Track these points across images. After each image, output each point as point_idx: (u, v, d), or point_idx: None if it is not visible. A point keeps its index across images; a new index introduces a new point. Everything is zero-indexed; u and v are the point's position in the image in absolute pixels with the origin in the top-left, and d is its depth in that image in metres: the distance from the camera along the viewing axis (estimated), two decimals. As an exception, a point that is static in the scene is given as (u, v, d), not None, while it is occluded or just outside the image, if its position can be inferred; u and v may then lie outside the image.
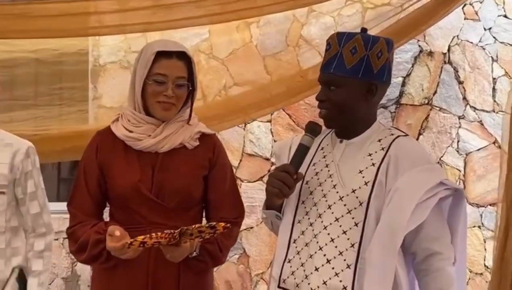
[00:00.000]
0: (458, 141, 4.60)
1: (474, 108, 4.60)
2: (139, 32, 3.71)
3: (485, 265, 4.48)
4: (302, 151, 2.00)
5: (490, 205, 4.52)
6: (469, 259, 4.49)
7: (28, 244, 2.57)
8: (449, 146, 4.59)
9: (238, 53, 4.20)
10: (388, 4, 3.63)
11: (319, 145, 2.08)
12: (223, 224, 1.97)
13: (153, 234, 1.97)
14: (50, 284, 4.28)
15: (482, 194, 4.58)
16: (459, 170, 4.60)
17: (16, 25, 3.23)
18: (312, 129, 2.01)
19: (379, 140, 2.03)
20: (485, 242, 4.50)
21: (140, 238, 1.97)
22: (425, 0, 3.45)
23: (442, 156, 4.57)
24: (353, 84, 1.97)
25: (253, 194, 4.41)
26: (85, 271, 4.29)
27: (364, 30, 2.05)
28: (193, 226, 2.00)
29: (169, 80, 2.19)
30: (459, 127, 4.59)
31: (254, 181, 4.44)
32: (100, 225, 2.17)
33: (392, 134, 2.04)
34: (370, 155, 2.01)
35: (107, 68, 4.30)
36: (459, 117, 4.59)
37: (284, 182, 1.95)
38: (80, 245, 2.22)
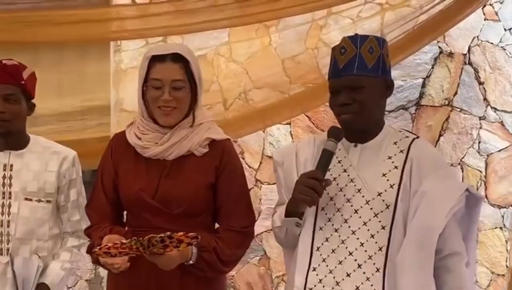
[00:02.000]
0: (479, 142, 4.56)
1: (495, 109, 4.55)
2: (160, 37, 3.77)
3: (507, 266, 4.44)
4: (327, 157, 1.99)
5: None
6: (491, 261, 4.46)
7: (62, 243, 2.61)
8: (470, 147, 4.56)
9: (258, 56, 4.18)
10: (407, 5, 3.65)
11: None
12: (181, 233, 1.91)
13: (117, 243, 1.96)
14: (74, 286, 4.36)
15: (503, 195, 4.53)
16: (480, 171, 4.56)
17: (39, 32, 3.32)
18: (335, 134, 2.02)
19: (395, 143, 2.06)
20: (506, 243, 4.47)
21: (105, 247, 1.96)
22: (445, 1, 3.47)
23: (463, 157, 4.55)
24: (376, 82, 2.01)
25: (273, 196, 4.27)
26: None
27: (356, 35, 2.08)
28: (146, 237, 1.94)
29: (165, 84, 2.16)
30: (480, 128, 4.55)
31: (274, 184, 4.30)
32: (105, 230, 2.18)
33: (407, 137, 2.08)
34: (390, 158, 2.03)
35: (128, 72, 4.29)
36: (480, 118, 4.55)
37: (314, 189, 1.94)
38: (89, 248, 2.25)
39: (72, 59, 4.06)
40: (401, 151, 2.03)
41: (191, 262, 2.14)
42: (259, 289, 4.51)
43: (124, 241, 1.96)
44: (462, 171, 4.52)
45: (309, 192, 1.93)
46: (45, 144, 2.60)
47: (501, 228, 4.48)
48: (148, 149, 2.21)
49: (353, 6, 3.65)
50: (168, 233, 1.92)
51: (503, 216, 4.47)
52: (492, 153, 4.57)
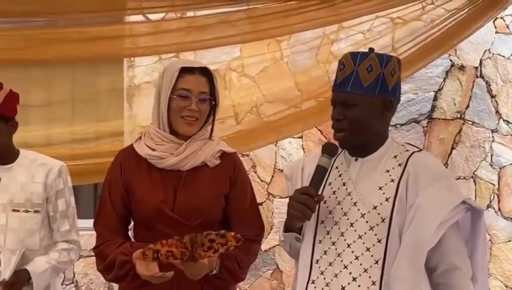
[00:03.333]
0: (491, 155, 4.57)
1: (507, 122, 4.58)
2: (173, 53, 3.80)
3: (521, 280, 4.44)
4: (321, 172, 1.99)
5: (526, 219, 4.49)
6: (505, 274, 4.44)
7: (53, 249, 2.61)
8: (482, 160, 4.58)
9: (269, 71, 4.20)
10: (418, 19, 3.64)
11: (333, 164, 2.08)
12: (233, 233, 1.94)
13: (163, 241, 1.95)
14: None
15: None
16: (493, 184, 4.56)
17: (54, 49, 3.35)
18: (329, 150, 2.01)
19: (395, 156, 2.03)
20: (521, 256, 4.46)
21: (151, 245, 1.95)
22: (456, 15, 3.48)
23: (475, 171, 4.56)
24: (370, 101, 1.98)
25: (285, 209, 4.28)
26: (121, 286, 4.36)
27: (371, 50, 2.06)
28: (203, 233, 1.96)
29: (193, 95, 2.21)
30: (492, 141, 4.57)
31: (286, 197, 4.37)
32: (126, 246, 2.19)
33: (407, 150, 2.05)
34: (387, 171, 2.01)
35: (141, 88, 4.35)
36: (492, 131, 4.57)
37: (306, 205, 1.93)
38: (107, 265, 2.23)
39: (85, 75, 4.11)
40: (399, 165, 2.02)
41: (214, 271, 2.16)
42: (271, 303, 4.54)
43: (176, 236, 1.95)
44: (475, 184, 4.52)
45: (301, 207, 1.93)
46: (32, 157, 2.62)
47: (514, 241, 4.47)
48: (164, 159, 2.22)
49: (364, 21, 3.65)
50: (223, 231, 1.94)
51: (516, 230, 4.45)
52: (505, 166, 4.58)
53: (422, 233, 1.90)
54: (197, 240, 1.95)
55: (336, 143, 2.05)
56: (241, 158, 2.44)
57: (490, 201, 4.52)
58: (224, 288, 2.26)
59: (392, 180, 1.99)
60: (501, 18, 4.50)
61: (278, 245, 4.42)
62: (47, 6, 3.26)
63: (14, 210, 2.52)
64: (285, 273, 4.48)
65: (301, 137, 4.51)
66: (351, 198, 2.01)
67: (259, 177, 4.46)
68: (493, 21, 4.33)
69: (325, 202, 2.02)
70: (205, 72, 2.25)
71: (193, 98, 2.21)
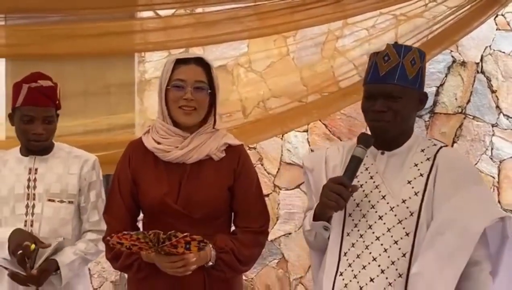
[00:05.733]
0: (491, 149, 4.56)
1: (507, 116, 4.58)
2: (182, 48, 3.76)
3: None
4: (355, 163, 1.96)
5: (525, 211, 4.46)
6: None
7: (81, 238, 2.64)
8: (483, 154, 4.56)
9: (276, 66, 4.21)
10: (421, 16, 3.53)
11: None
12: (185, 234, 1.93)
13: (130, 236, 1.97)
14: (100, 287, 4.40)
15: None
16: (493, 177, 4.55)
17: (67, 44, 3.37)
18: (365, 141, 1.98)
19: (422, 150, 2.03)
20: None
21: (115, 237, 1.98)
22: (457, 12, 3.43)
23: (476, 164, 4.52)
24: (412, 94, 1.98)
25: (291, 201, 4.38)
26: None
27: (395, 43, 2.06)
28: (151, 231, 1.96)
29: (187, 85, 2.21)
30: (493, 135, 4.57)
31: (292, 189, 4.44)
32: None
33: (435, 145, 2.05)
34: (416, 165, 2.00)
35: (152, 82, 4.35)
36: (493, 125, 4.57)
37: (340, 195, 1.92)
38: (115, 254, 2.26)
39: (97, 70, 4.13)
40: (428, 159, 2.00)
41: (210, 263, 2.18)
42: (277, 291, 4.54)
43: (132, 233, 1.97)
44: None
45: (335, 197, 1.92)
46: (68, 149, 2.67)
47: (513, 233, 4.49)
48: (169, 153, 2.23)
49: (368, 18, 3.66)
50: (173, 231, 1.95)
51: (515, 222, 4.47)
52: (504, 160, 4.57)
53: (464, 242, 1.89)
54: (153, 238, 1.96)
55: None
56: (248, 151, 2.44)
57: (490, 194, 4.54)
58: (226, 280, 2.27)
59: (421, 175, 1.98)
60: (502, 15, 4.47)
61: (284, 235, 4.44)
62: (61, 3, 3.29)
63: (49, 200, 2.56)
64: (290, 262, 4.50)
65: (306, 131, 4.51)
66: (379, 191, 2.00)
67: (265, 170, 4.47)
68: (494, 18, 4.32)
69: (352, 195, 1.99)
70: (200, 62, 2.25)
71: (188, 88, 2.21)
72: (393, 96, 1.96)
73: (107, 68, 4.18)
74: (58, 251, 2.51)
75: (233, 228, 2.37)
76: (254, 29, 3.45)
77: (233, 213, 2.33)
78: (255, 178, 2.35)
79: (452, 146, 4.52)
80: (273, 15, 3.34)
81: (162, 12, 3.71)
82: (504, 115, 4.58)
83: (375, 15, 3.64)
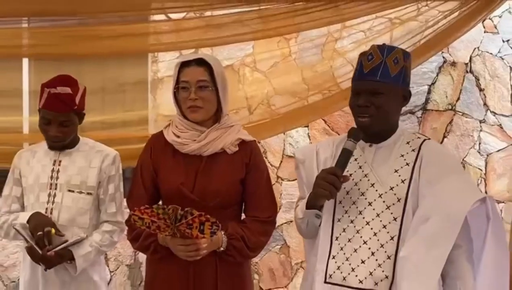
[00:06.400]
0: (479, 143, 4.65)
1: (494, 113, 4.65)
2: (192, 49, 3.82)
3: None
4: (346, 155, 2.01)
5: (510, 201, 4.53)
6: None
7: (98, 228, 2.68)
8: (471, 148, 4.65)
9: (279, 66, 4.28)
10: (414, 19, 3.55)
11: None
12: (200, 213, 2.00)
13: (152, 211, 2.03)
14: (116, 270, 4.47)
15: (501, 191, 4.62)
16: (481, 169, 4.65)
17: (85, 45, 3.46)
18: (355, 135, 2.04)
19: (408, 142, 2.09)
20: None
21: (146, 217, 2.04)
22: (449, 17, 3.44)
23: (465, 157, 4.61)
24: (395, 91, 2.03)
25: (292, 191, 4.44)
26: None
27: (382, 44, 2.11)
28: (170, 206, 2.01)
29: (191, 85, 2.29)
30: (480, 130, 4.66)
31: (293, 180, 4.46)
32: None
33: (419, 137, 2.11)
34: (402, 156, 2.06)
35: (164, 81, 4.42)
36: (480, 121, 4.65)
37: (333, 184, 1.97)
38: (135, 235, 2.35)
39: (113, 69, 4.21)
40: (413, 150, 2.05)
41: (221, 249, 2.26)
42: (280, 275, 4.62)
43: (153, 206, 2.02)
44: (464, 169, 4.49)
45: (328, 186, 1.97)
46: (91, 144, 2.72)
47: (499, 221, 4.60)
48: (186, 145, 2.32)
49: (365, 21, 3.67)
50: (189, 208, 2.00)
51: (501, 210, 4.49)
52: (491, 153, 4.66)
53: (448, 226, 1.91)
54: (171, 213, 2.01)
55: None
56: (255, 145, 2.45)
57: (478, 185, 4.56)
58: (236, 264, 2.35)
59: (407, 164, 2.03)
60: (490, 19, 4.55)
61: (286, 223, 4.51)
62: (80, 7, 3.34)
63: (69, 190, 2.62)
64: (292, 248, 4.59)
65: (307, 126, 4.57)
66: (368, 179, 2.05)
67: (269, 162, 4.53)
68: (482, 22, 4.26)
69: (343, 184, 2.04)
70: (201, 62, 2.30)
71: (192, 88, 2.28)
72: (375, 92, 2.00)
73: (123, 67, 4.25)
74: (77, 244, 2.57)
75: (243, 216, 2.45)
76: (258, 31, 3.50)
77: (243, 203, 2.41)
78: (265, 172, 2.41)
79: (442, 140, 4.56)
80: (276, 18, 3.41)
81: (173, 16, 3.79)
82: (491, 112, 4.66)
83: (371, 18, 3.68)
